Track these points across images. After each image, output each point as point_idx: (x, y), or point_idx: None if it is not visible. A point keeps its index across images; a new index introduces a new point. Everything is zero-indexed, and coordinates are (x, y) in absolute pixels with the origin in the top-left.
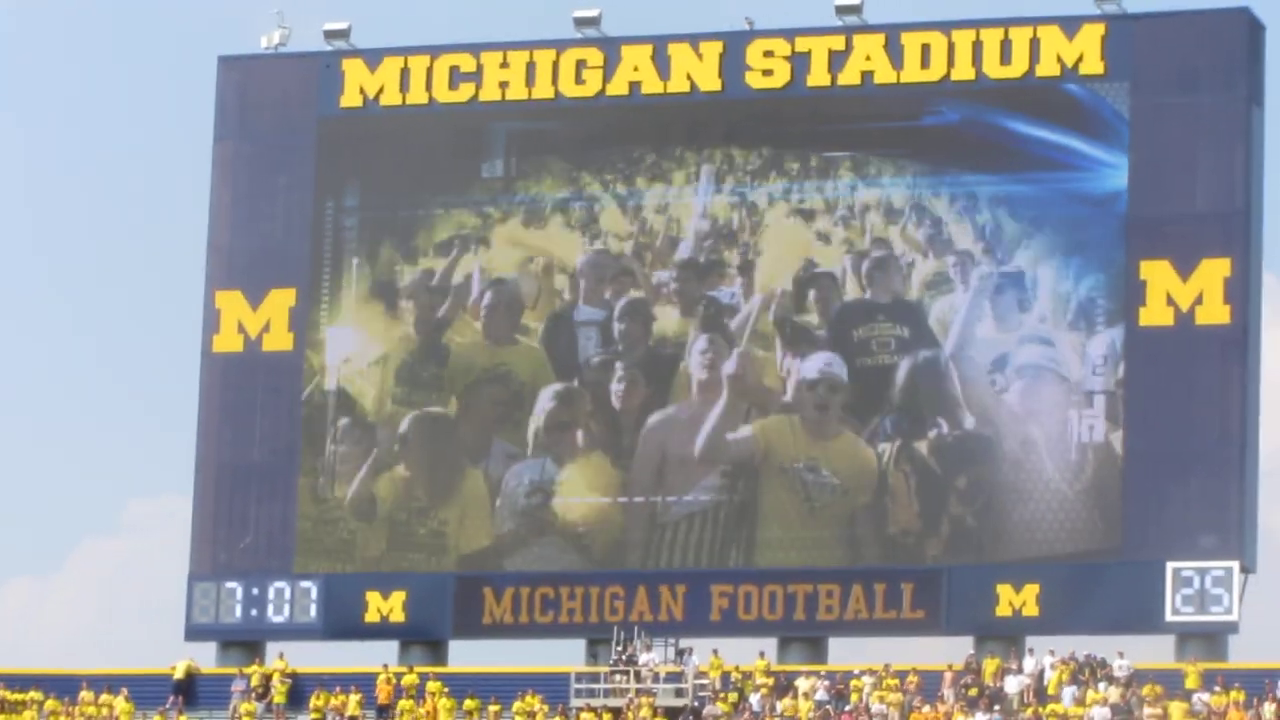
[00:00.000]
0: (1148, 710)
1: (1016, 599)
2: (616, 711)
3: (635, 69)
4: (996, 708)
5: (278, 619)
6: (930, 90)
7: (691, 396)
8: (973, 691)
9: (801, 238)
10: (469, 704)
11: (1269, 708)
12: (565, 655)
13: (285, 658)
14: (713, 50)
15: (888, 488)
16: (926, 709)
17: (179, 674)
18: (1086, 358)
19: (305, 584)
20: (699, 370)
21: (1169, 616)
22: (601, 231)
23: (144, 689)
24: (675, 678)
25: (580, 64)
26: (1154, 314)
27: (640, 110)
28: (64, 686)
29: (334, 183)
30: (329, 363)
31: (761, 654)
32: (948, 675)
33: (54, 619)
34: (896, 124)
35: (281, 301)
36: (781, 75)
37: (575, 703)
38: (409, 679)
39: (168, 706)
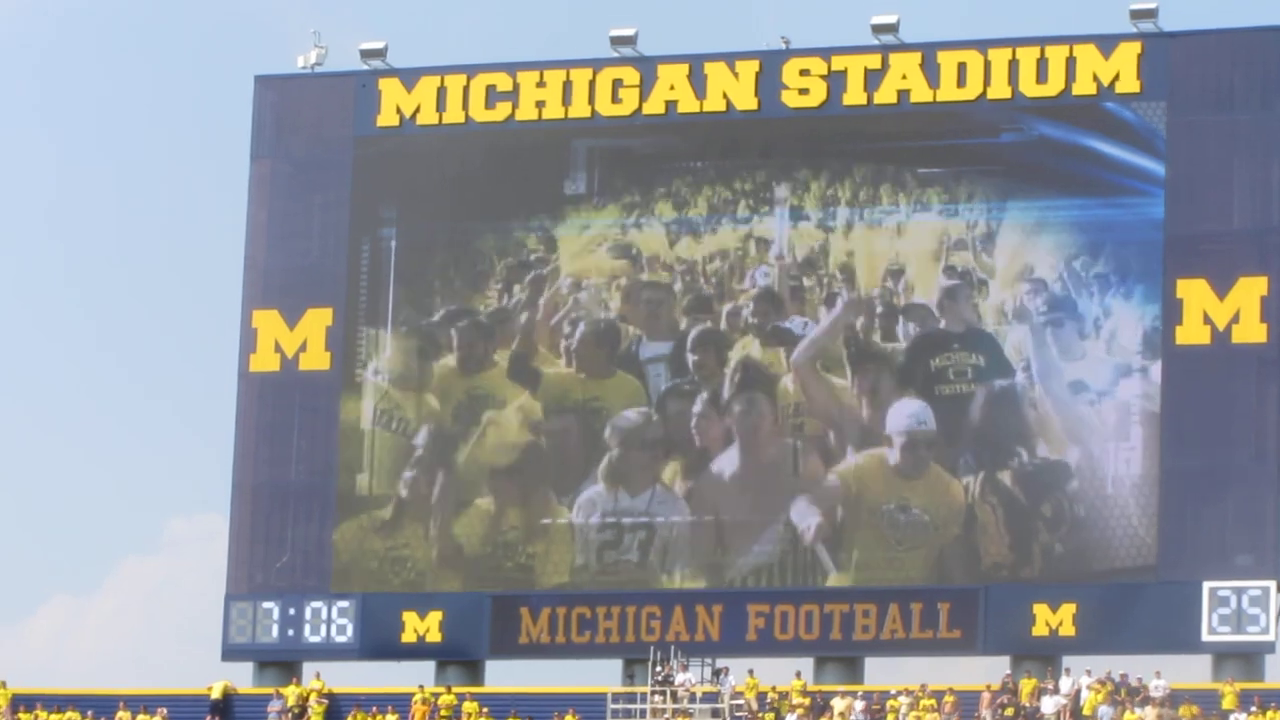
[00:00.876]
0: None
1: (1053, 619)
2: None
3: (671, 88)
4: None
5: (314, 639)
6: (1003, 107)
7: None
8: (1009, 711)
9: (882, 264)
10: None
11: None
12: (602, 675)
13: (322, 678)
14: (749, 69)
15: (976, 520)
16: None
17: (216, 694)
18: (1150, 380)
19: (342, 604)
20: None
21: (1205, 636)
22: (670, 258)
23: (181, 709)
24: (712, 698)
25: (617, 83)
26: (1191, 333)
27: (708, 127)
28: (101, 707)
29: (371, 202)
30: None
31: (798, 674)
32: (985, 695)
33: (92, 638)
34: (975, 140)
35: (318, 321)
36: (818, 94)
37: None
38: (446, 699)
39: None
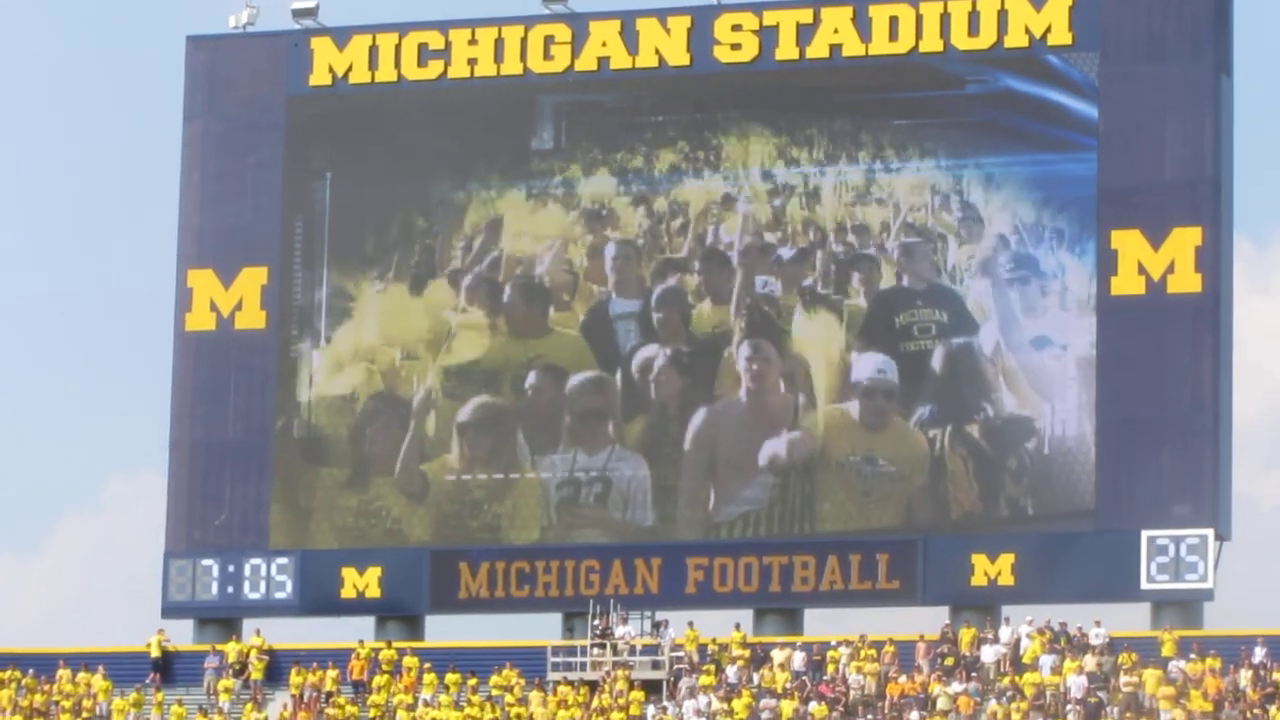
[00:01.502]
0: (1124, 678)
1: (992, 569)
2: (593, 684)
3: (604, 44)
4: (973, 677)
5: (253, 595)
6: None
7: (740, 394)
8: (949, 661)
9: (839, 217)
10: (450, 678)
11: (1244, 674)
12: (541, 629)
13: (262, 634)
14: (680, 25)
15: (945, 471)
16: (903, 679)
17: (154, 651)
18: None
19: (281, 560)
20: (746, 367)
21: (1144, 585)
22: (630, 217)
23: (122, 667)
24: (652, 650)
25: (549, 39)
26: (1126, 283)
27: (662, 83)
28: (41, 665)
29: (304, 161)
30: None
31: (737, 625)
32: (921, 645)
33: (35, 597)
34: (939, 93)
35: (254, 279)
36: (750, 49)
37: (552, 676)
38: (387, 654)
39: (146, 683)
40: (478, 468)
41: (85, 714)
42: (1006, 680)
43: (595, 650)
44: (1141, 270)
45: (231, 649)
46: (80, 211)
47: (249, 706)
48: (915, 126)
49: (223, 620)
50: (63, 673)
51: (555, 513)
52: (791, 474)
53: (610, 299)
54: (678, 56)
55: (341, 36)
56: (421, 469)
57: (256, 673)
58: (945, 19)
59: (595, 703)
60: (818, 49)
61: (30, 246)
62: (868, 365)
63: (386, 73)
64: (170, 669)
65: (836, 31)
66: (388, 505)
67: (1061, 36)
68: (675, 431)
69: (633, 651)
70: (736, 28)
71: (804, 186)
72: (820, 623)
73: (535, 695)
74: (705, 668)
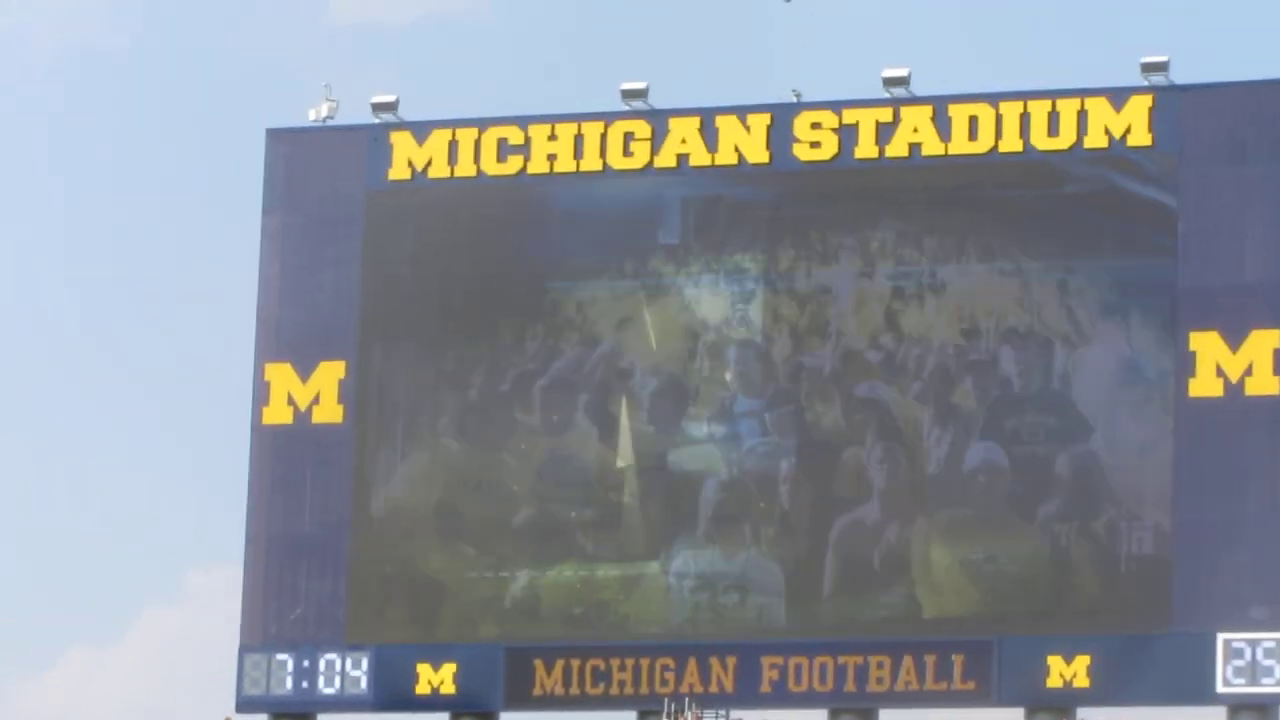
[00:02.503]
0: None
1: (1067, 670)
2: None
3: (683, 141)
4: None
5: (328, 690)
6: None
7: (872, 500)
8: None
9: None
10: None
11: None
12: None
13: None
14: (760, 121)
15: (1071, 567)
16: None
17: None
18: None
19: (356, 655)
20: (877, 470)
21: (1220, 688)
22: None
23: None
24: None
25: (628, 135)
26: (1204, 385)
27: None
28: None
29: (383, 255)
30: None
31: None
32: None
33: (112, 690)
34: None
35: (331, 374)
36: (829, 147)
37: None
38: None
39: None
40: None
41: None
42: None
43: None
44: (1220, 372)
45: None
46: (159, 305)
47: None
48: (1017, 225)
49: (297, 715)
50: None
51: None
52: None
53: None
54: (757, 154)
55: (421, 131)
56: None
57: None
58: (1025, 119)
59: None
60: (897, 148)
61: (109, 340)
62: (981, 465)
63: (466, 167)
64: None
65: (916, 130)
66: None
67: (1141, 137)
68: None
69: None
70: (816, 125)
71: (915, 288)
72: None
73: None
74: None
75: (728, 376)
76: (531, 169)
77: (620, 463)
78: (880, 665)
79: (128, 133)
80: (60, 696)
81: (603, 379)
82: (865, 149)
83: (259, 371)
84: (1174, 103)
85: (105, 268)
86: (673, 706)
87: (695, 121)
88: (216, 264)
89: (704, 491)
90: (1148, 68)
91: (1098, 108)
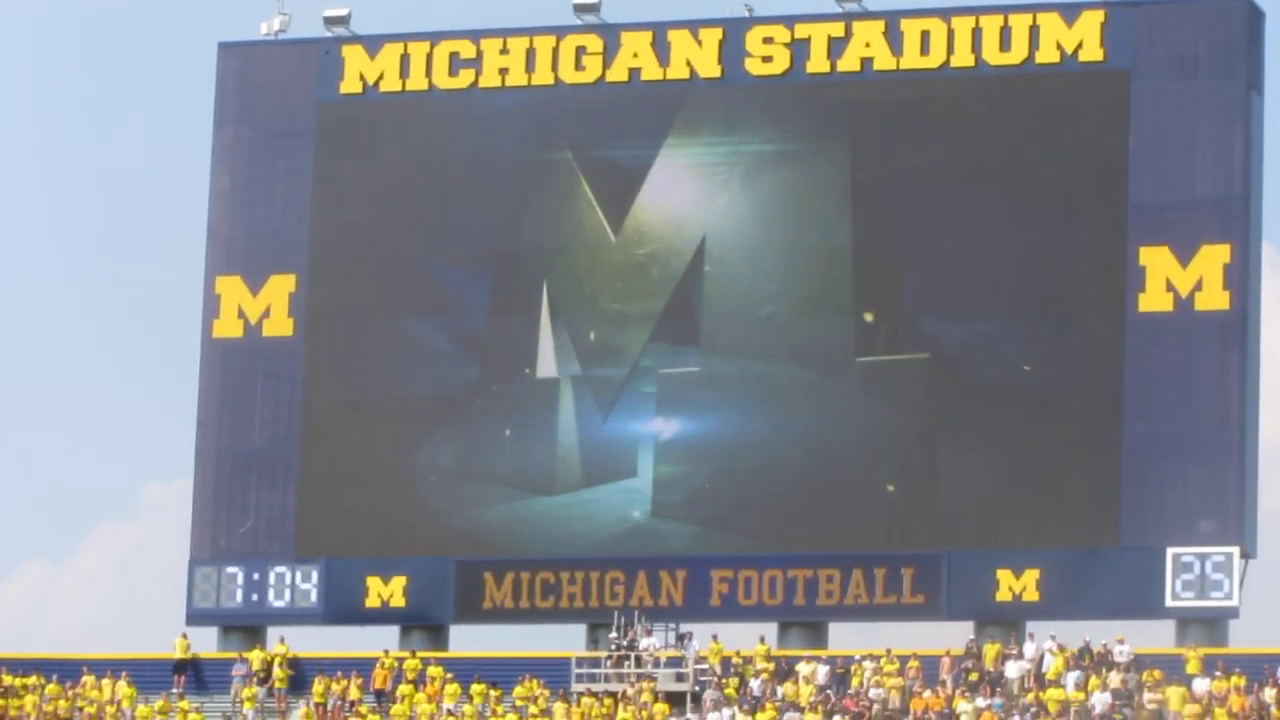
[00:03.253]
0: (1148, 696)
1: (1016, 584)
2: (617, 696)
3: (635, 55)
4: (997, 693)
5: (278, 604)
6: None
7: None
8: (973, 676)
9: None
10: (475, 688)
11: (1269, 692)
12: (566, 640)
13: (286, 642)
14: (712, 36)
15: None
16: (927, 694)
17: (178, 653)
18: None
19: (306, 569)
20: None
21: (1169, 602)
22: None
23: (146, 674)
24: (676, 662)
25: (580, 50)
26: (1153, 300)
27: None
28: (66, 671)
29: (334, 169)
30: None
31: (762, 639)
32: (947, 660)
33: (69, 604)
34: None
35: (281, 287)
36: (780, 62)
37: (576, 687)
38: (411, 664)
39: (172, 690)
40: None
41: None
42: (1030, 696)
43: (620, 662)
44: (1170, 287)
45: (256, 657)
46: (109, 218)
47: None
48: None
49: (247, 628)
50: (87, 679)
51: None
52: None
53: None
54: (709, 68)
55: (373, 45)
56: None
57: (280, 681)
58: (977, 33)
59: (619, 715)
60: (849, 62)
61: (59, 252)
62: None
63: (417, 81)
64: (195, 675)
65: (868, 45)
66: None
67: (1093, 52)
68: None
69: (657, 664)
70: (768, 40)
71: None
72: (845, 636)
73: (559, 707)
74: (729, 680)
75: None
76: (483, 83)
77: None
78: (830, 579)
79: (79, 48)
80: (17, 609)
81: None
82: (817, 63)
83: (209, 284)
84: (1126, 18)
85: (56, 182)
86: (623, 620)
87: (647, 36)
88: (167, 178)
89: None
90: None
91: (1050, 23)
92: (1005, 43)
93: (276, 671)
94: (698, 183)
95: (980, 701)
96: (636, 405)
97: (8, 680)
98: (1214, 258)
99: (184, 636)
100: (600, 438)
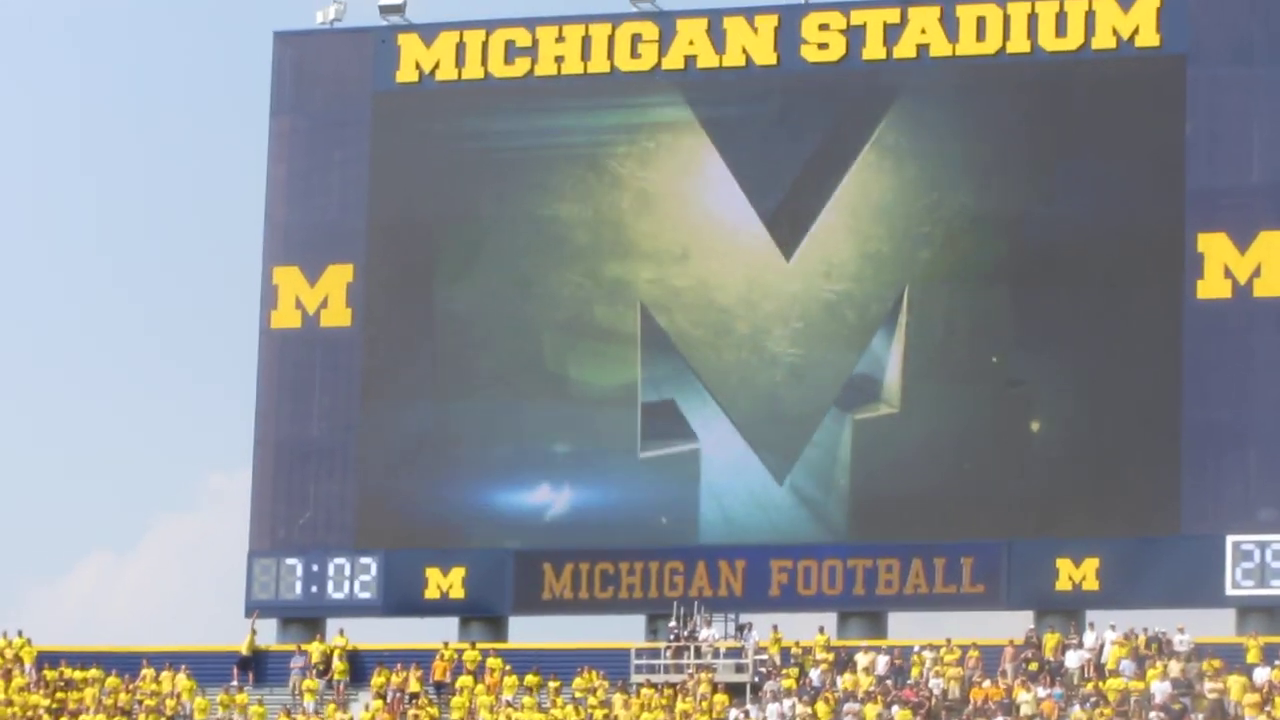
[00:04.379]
0: (1209, 685)
1: (1076, 573)
2: (677, 687)
3: (690, 43)
4: (1057, 682)
5: (337, 595)
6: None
7: None
8: (1033, 666)
9: None
10: (530, 679)
11: None
12: (625, 631)
13: (345, 634)
14: (767, 23)
15: None
16: (987, 683)
17: (246, 649)
18: None
19: (365, 560)
20: None
21: (1229, 590)
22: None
23: (206, 666)
24: (735, 653)
25: (636, 38)
26: (1211, 286)
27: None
28: (125, 664)
29: (390, 158)
30: None
31: (821, 629)
32: (1008, 650)
33: (131, 595)
34: None
35: (339, 277)
36: (836, 48)
37: (635, 678)
38: (470, 655)
39: (233, 681)
40: None
41: (169, 713)
42: (1090, 686)
43: (680, 653)
44: (1228, 274)
45: (315, 649)
46: (165, 208)
47: (331, 706)
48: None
49: (306, 620)
50: (146, 672)
51: None
52: None
53: None
54: (764, 56)
55: (428, 33)
56: None
57: (340, 674)
58: (1033, 19)
59: (678, 706)
60: (905, 49)
61: (115, 244)
62: None
63: (473, 70)
64: (260, 666)
65: (924, 32)
66: None
67: (1149, 38)
68: None
69: (716, 654)
70: (824, 27)
71: None
72: (904, 626)
73: (619, 698)
74: (788, 671)
75: None
76: (539, 71)
77: None
78: (889, 569)
79: (137, 38)
80: (80, 602)
81: None
82: (873, 50)
83: (267, 275)
84: (1181, 3)
85: (115, 174)
86: (682, 611)
87: (703, 23)
88: (224, 167)
89: None
90: None
91: (1105, 8)
92: (1061, 28)
93: (336, 664)
94: None
95: (1040, 691)
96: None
97: (68, 673)
98: (1272, 244)
99: (252, 630)
100: None
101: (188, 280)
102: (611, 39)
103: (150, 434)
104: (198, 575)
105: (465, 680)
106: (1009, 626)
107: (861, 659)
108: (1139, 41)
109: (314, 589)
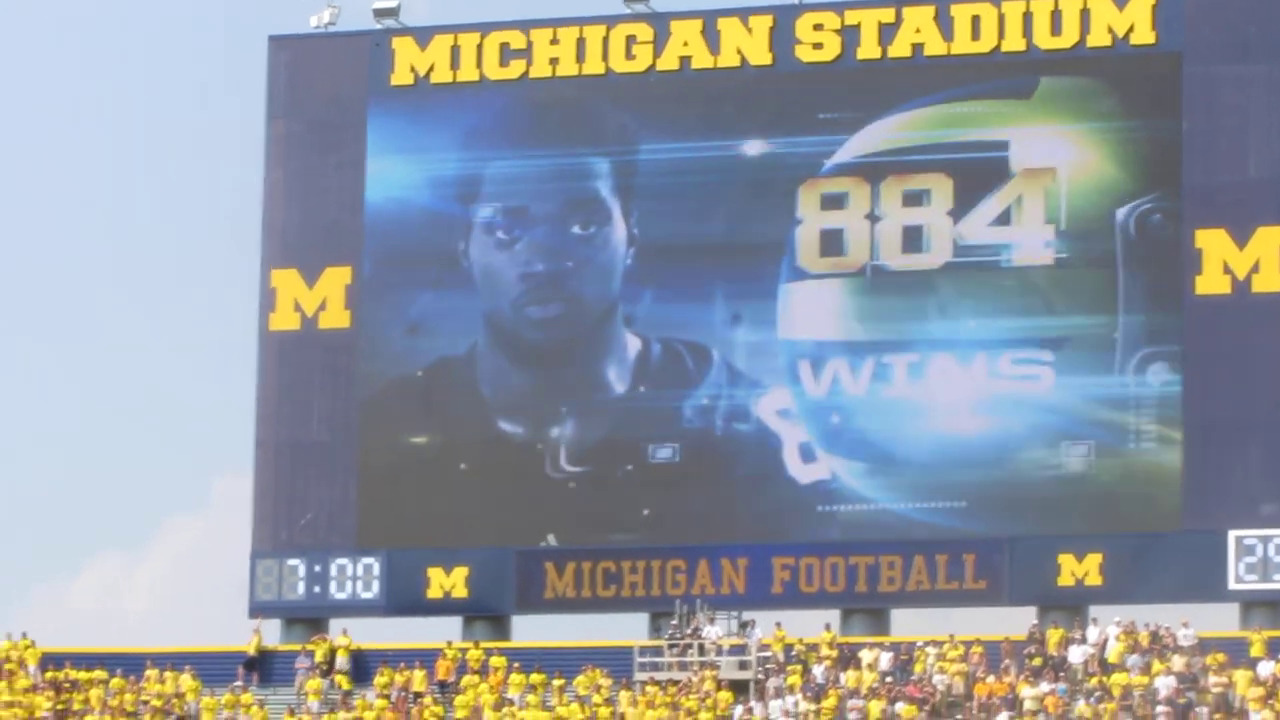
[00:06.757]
0: (1213, 679)
1: (1079, 569)
2: (680, 685)
3: (685, 44)
4: (1061, 677)
5: (340, 595)
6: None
7: None
8: (1036, 661)
9: None
10: (535, 678)
11: None
12: (628, 629)
13: (349, 634)
14: (762, 24)
15: None
16: (990, 679)
17: (253, 650)
18: None
19: (367, 560)
20: None
21: (1232, 585)
22: None
23: (210, 667)
24: (739, 650)
25: (630, 39)
26: (1210, 282)
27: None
28: (130, 665)
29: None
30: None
31: (827, 626)
32: (1009, 646)
33: (140, 596)
34: None
35: (337, 279)
36: (831, 48)
37: (639, 676)
38: (474, 654)
39: (238, 682)
40: None
41: (174, 714)
42: (1094, 681)
43: (683, 650)
44: (1226, 270)
45: (319, 649)
46: (164, 211)
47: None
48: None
49: (309, 620)
50: (151, 673)
51: None
52: None
53: None
54: (759, 56)
55: (423, 36)
56: None
57: (343, 673)
58: (1028, 18)
59: (682, 703)
60: (900, 48)
61: (113, 246)
62: None
63: (468, 72)
64: (265, 666)
65: (918, 31)
66: None
67: (1144, 36)
68: None
69: (720, 652)
70: (818, 27)
71: None
72: (907, 623)
73: (624, 695)
74: (792, 668)
75: None
76: (534, 73)
77: None
78: (892, 566)
79: (133, 44)
80: (89, 604)
81: None
82: (868, 50)
83: (265, 277)
84: (1177, 1)
85: (111, 176)
86: (685, 609)
87: (697, 24)
88: (221, 171)
89: None
90: None
91: (1100, 6)
92: (1056, 26)
93: (340, 664)
94: None
95: (1044, 686)
96: None
97: (73, 675)
98: (1271, 240)
99: (257, 632)
100: None
101: (188, 281)
102: (606, 41)
103: (157, 437)
104: (202, 576)
105: (469, 679)
106: (1012, 623)
107: (865, 655)
108: (1134, 39)
109: (316, 589)
